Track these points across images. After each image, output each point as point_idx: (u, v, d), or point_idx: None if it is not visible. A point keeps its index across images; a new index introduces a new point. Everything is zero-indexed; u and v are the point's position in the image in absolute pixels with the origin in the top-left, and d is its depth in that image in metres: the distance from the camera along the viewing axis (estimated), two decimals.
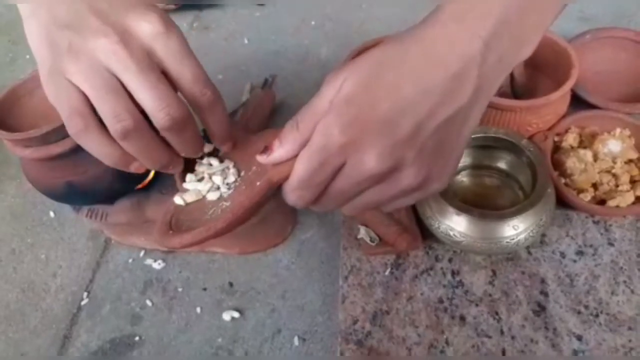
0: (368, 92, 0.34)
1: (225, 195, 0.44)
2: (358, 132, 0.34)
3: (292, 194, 0.39)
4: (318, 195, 0.38)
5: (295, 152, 0.37)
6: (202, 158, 0.49)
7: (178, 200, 0.47)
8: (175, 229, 0.44)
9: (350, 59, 0.73)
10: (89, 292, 0.67)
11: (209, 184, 0.46)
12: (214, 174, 0.46)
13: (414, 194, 0.38)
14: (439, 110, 0.33)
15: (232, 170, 0.45)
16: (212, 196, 0.44)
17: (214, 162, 0.47)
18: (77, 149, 0.54)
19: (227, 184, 0.45)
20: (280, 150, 0.37)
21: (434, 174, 0.37)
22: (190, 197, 0.46)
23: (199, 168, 0.48)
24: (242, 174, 0.44)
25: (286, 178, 0.38)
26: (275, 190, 0.40)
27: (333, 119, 0.34)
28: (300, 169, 0.37)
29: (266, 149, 0.38)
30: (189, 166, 0.48)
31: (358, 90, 0.34)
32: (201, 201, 0.45)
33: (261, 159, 0.39)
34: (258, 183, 0.40)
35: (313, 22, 1.00)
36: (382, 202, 0.39)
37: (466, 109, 0.35)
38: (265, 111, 0.79)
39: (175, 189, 0.61)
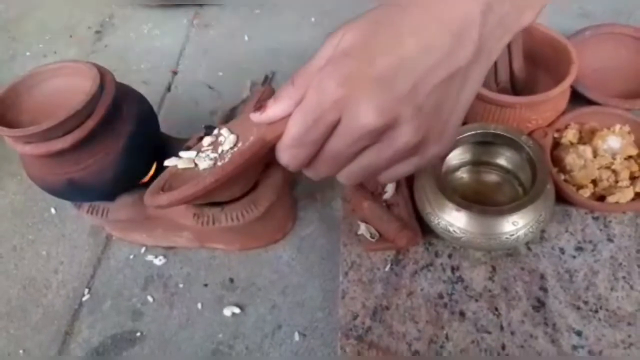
0: (366, 47, 0.33)
1: (219, 163, 0.43)
2: (354, 87, 0.32)
3: (285, 153, 0.37)
4: (312, 157, 0.37)
5: (290, 110, 0.35)
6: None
7: (170, 162, 0.46)
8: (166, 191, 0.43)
9: None
10: (90, 288, 0.67)
11: (202, 154, 0.45)
12: (206, 148, 0.46)
13: (412, 159, 0.37)
14: (439, 68, 0.33)
15: (229, 138, 0.43)
16: (205, 164, 0.43)
17: (207, 139, 0.47)
18: (78, 146, 0.54)
19: (223, 151, 0.43)
20: (274, 108, 0.36)
21: (431, 135, 0.35)
22: (182, 164, 0.46)
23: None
24: (240, 145, 0.42)
25: (280, 137, 0.36)
26: (268, 153, 0.38)
27: (329, 72, 0.33)
28: (294, 125, 0.35)
29: (260, 107, 0.37)
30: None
31: (356, 45, 0.33)
32: (195, 170, 0.45)
33: (255, 116, 0.37)
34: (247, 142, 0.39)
35: (313, 19, 1.00)
36: (379, 166, 0.37)
37: (466, 70, 0.34)
38: None
39: None
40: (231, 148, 0.43)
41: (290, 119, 0.35)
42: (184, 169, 0.46)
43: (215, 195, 0.45)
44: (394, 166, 0.37)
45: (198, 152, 0.46)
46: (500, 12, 0.33)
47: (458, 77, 0.34)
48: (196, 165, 0.45)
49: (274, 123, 0.37)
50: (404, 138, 0.34)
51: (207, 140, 0.47)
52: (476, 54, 0.34)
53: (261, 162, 0.40)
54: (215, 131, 0.47)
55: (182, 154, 0.47)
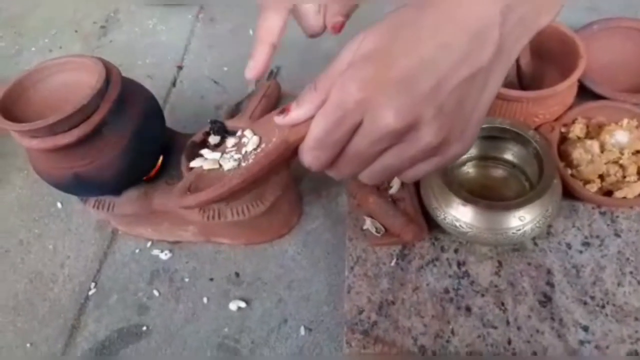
0: (387, 49, 0.33)
1: (243, 164, 0.44)
2: (376, 89, 0.33)
3: (308, 154, 0.38)
4: (334, 158, 0.37)
5: (312, 113, 0.36)
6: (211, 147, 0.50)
7: (196, 163, 0.47)
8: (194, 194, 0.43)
9: None
10: (96, 283, 0.68)
11: (227, 155, 0.46)
12: (228, 148, 0.47)
13: (434, 159, 0.37)
14: (460, 68, 0.33)
15: (252, 139, 0.44)
16: (229, 165, 0.44)
17: (230, 140, 0.48)
18: (84, 140, 0.54)
19: (246, 152, 0.44)
20: (297, 111, 0.37)
21: (453, 135, 0.36)
22: (208, 165, 0.47)
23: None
24: (263, 146, 0.43)
25: (303, 139, 0.37)
26: (292, 154, 0.39)
27: (350, 75, 0.33)
28: (316, 127, 0.36)
29: (283, 110, 0.38)
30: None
31: (377, 48, 0.33)
32: (219, 170, 0.45)
33: (278, 119, 0.38)
34: (270, 144, 0.39)
35: None
36: (401, 166, 0.37)
37: (487, 70, 0.34)
38: (271, 102, 0.79)
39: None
40: (254, 149, 0.44)
41: (313, 121, 0.36)
42: (209, 170, 0.46)
43: (239, 196, 0.45)
44: (416, 166, 0.38)
45: (222, 153, 0.47)
46: (519, 12, 0.34)
47: (479, 77, 0.34)
48: (221, 166, 0.46)
49: (296, 125, 0.37)
50: (426, 139, 0.34)
51: (230, 141, 0.48)
52: (497, 54, 0.34)
53: (283, 164, 0.41)
54: (239, 132, 0.48)
55: (207, 155, 0.48)
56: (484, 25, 0.33)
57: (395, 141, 0.35)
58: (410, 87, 0.32)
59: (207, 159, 0.47)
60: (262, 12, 0.41)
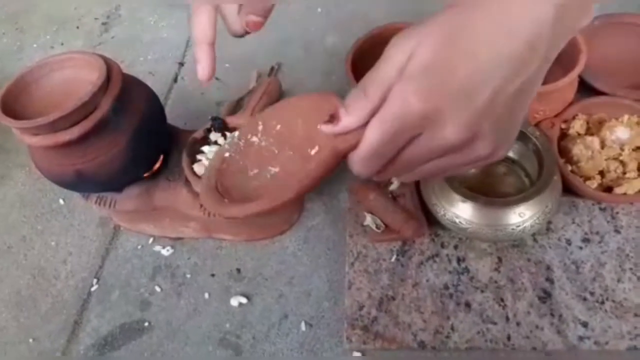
0: (445, 58, 0.32)
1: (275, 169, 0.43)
2: (437, 101, 0.32)
3: (359, 164, 0.37)
4: (386, 166, 0.37)
5: (364, 121, 0.35)
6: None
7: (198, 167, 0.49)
8: (225, 196, 0.43)
9: (357, 47, 0.73)
10: (98, 279, 0.68)
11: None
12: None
13: (480, 163, 0.37)
14: (514, 78, 0.32)
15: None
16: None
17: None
18: (85, 137, 0.55)
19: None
20: (348, 119, 0.35)
21: (501, 143, 0.35)
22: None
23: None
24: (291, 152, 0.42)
25: (353, 147, 0.36)
26: (339, 162, 0.38)
27: (411, 86, 0.32)
28: (372, 138, 0.35)
29: (332, 118, 0.37)
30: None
31: (435, 57, 0.32)
32: (240, 164, 0.45)
33: (327, 128, 0.37)
34: (314, 152, 0.38)
35: (319, 10, 1.00)
36: (446, 171, 0.38)
37: (534, 77, 0.34)
38: (271, 99, 0.79)
39: (183, 177, 0.62)
40: (229, 141, 0.44)
41: (368, 130, 0.35)
42: (228, 165, 0.46)
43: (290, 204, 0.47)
44: (462, 169, 0.38)
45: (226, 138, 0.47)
46: (566, 17, 0.32)
47: (528, 85, 0.34)
48: (238, 158, 0.45)
49: (346, 134, 0.36)
50: (480, 152, 0.35)
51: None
52: (543, 62, 0.33)
53: (332, 172, 0.41)
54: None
55: (208, 154, 0.48)
56: (536, 33, 0.32)
57: (451, 152, 0.35)
58: (470, 100, 0.32)
59: (208, 158, 0.48)
60: (192, 15, 0.42)
